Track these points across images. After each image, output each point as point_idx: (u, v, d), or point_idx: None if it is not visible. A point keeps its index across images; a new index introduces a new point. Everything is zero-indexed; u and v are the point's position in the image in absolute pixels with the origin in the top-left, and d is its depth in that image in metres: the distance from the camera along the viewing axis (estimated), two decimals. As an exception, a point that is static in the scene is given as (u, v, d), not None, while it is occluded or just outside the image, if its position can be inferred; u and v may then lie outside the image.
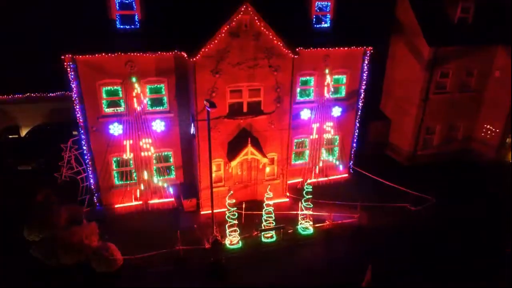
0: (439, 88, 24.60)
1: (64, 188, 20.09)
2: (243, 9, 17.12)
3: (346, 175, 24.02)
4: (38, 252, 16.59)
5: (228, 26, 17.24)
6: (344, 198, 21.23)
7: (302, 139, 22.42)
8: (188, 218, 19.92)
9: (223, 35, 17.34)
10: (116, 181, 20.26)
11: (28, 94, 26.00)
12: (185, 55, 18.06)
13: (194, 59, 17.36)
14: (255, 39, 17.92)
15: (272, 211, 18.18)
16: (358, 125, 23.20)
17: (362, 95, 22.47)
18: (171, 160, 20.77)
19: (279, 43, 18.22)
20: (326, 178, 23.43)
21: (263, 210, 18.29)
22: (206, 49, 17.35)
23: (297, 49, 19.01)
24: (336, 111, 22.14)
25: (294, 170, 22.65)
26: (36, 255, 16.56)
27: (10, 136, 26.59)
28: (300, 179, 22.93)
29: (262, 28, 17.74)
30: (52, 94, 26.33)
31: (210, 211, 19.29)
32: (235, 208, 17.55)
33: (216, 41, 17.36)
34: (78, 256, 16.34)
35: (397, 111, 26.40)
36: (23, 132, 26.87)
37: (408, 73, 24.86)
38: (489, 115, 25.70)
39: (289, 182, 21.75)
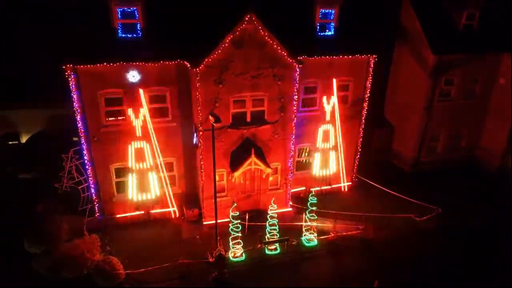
0: (444, 96, 24.41)
1: (64, 198, 19.82)
2: (247, 18, 16.87)
3: (350, 183, 23.78)
4: (39, 265, 16.37)
5: (232, 36, 16.99)
6: (348, 208, 21.05)
7: (305, 147, 22.17)
8: (190, 228, 19.68)
9: (226, 45, 17.09)
10: (118, 191, 19.99)
11: (28, 100, 25.73)
12: (188, 65, 17.82)
13: (197, 69, 17.12)
14: (259, 49, 17.67)
15: (276, 223, 17.93)
16: (362, 133, 22.94)
17: (367, 103, 22.21)
18: (173, 169, 20.50)
19: (283, 52, 17.98)
20: (329, 187, 23.19)
21: (267, 222, 18.04)
22: (210, 59, 17.10)
23: (301, 57, 18.81)
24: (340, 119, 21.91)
25: (297, 178, 22.39)
26: (38, 268, 16.34)
27: (10, 143, 26.28)
28: (303, 188, 22.71)
29: (266, 37, 17.50)
30: (52, 101, 26.03)
31: (212, 222, 19.13)
32: (239, 221, 17.28)
33: (219, 51, 17.12)
34: (80, 270, 16.10)
35: (401, 118, 26.19)
36: (23, 139, 26.58)
37: (412, 80, 24.64)
38: (493, 122, 25.49)
39: (292, 190, 21.52)
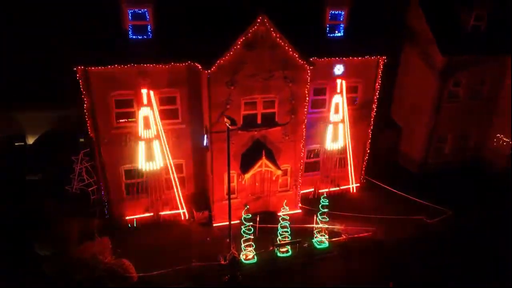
0: (452, 97, 24.38)
1: (74, 200, 19.75)
2: (259, 20, 16.83)
3: (358, 184, 23.74)
4: (50, 268, 16.29)
5: (244, 38, 16.95)
6: (357, 209, 21.04)
7: (315, 149, 22.13)
8: (200, 230, 19.64)
9: (238, 46, 17.06)
10: (127, 193, 19.91)
11: (34, 101, 25.63)
12: (200, 67, 17.75)
13: (209, 71, 17.06)
14: (270, 51, 17.64)
15: (288, 225, 17.87)
16: (370, 134, 22.91)
17: (375, 105, 22.18)
18: (183, 171, 20.42)
19: (294, 54, 17.94)
20: (337, 188, 23.15)
21: (279, 224, 18.00)
22: (222, 61, 17.05)
23: (311, 59, 18.75)
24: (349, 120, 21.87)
25: (306, 180, 22.31)
26: (48, 271, 16.25)
27: (16, 144, 26.15)
28: (312, 189, 22.68)
29: (278, 39, 17.47)
30: (59, 102, 25.97)
31: (222, 223, 19.39)
32: (251, 223, 17.23)
33: (231, 53, 17.07)
34: (92, 273, 16.01)
35: (409, 119, 26.16)
36: (29, 140, 26.46)
37: (420, 81, 24.61)
38: (501, 123, 25.49)
39: (301, 192, 21.47)
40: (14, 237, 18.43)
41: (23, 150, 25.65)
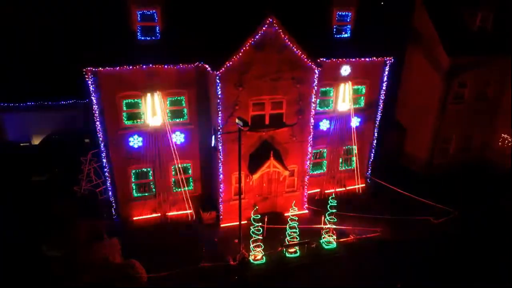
0: (457, 98, 24.45)
1: (82, 201, 19.79)
2: (268, 22, 16.88)
3: (364, 185, 23.80)
4: (59, 270, 16.30)
5: (253, 39, 17.00)
6: (363, 210, 21.09)
7: (321, 150, 22.19)
8: (208, 231, 19.67)
9: (247, 48, 17.10)
10: (135, 194, 19.94)
11: (39, 102, 25.68)
12: (208, 68, 17.79)
13: (218, 72, 17.10)
14: (278, 52, 17.70)
15: (296, 226, 17.91)
16: (376, 135, 22.98)
17: (381, 106, 22.25)
18: (190, 172, 20.47)
19: (302, 55, 18.00)
20: (343, 189, 23.22)
21: (287, 225, 18.04)
22: (231, 62, 17.09)
23: (318, 60, 18.81)
24: (355, 121, 21.93)
25: (312, 180, 22.33)
26: (57, 273, 16.25)
27: (21, 144, 26.18)
28: (318, 190, 22.73)
29: (287, 40, 17.51)
30: (64, 102, 26.07)
31: (229, 224, 19.62)
32: (260, 224, 17.28)
33: (240, 54, 17.10)
34: (101, 274, 16.03)
35: (414, 120, 26.21)
36: (34, 140, 26.48)
37: (425, 83, 24.66)
38: (506, 124, 25.56)
39: (307, 192, 21.52)
40: (21, 239, 18.44)
41: (28, 150, 25.67)
